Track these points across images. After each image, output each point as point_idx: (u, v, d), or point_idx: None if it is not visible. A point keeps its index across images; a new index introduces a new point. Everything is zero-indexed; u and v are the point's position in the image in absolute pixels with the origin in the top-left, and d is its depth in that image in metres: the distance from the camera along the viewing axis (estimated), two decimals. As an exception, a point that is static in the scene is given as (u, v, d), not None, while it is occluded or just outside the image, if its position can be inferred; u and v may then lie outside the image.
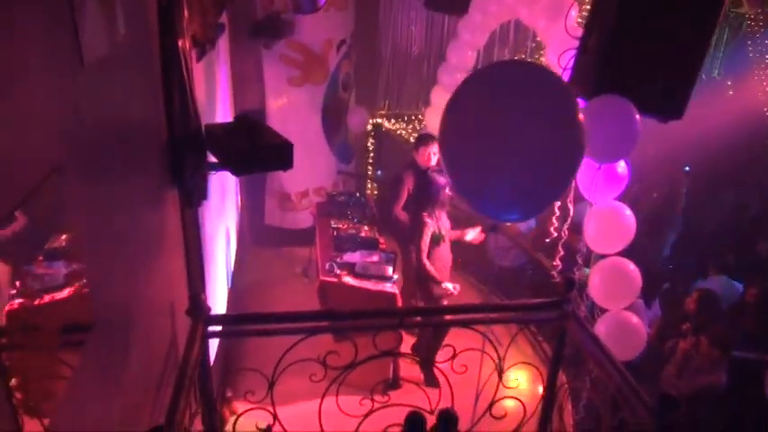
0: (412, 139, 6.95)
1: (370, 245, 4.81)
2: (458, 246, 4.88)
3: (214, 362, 3.17)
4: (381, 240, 4.97)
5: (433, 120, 6.05)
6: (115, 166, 2.05)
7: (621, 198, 3.45)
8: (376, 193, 7.63)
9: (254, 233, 6.78)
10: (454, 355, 2.78)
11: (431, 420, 2.68)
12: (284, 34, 5.97)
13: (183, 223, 2.95)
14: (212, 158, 3.02)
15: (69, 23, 1.59)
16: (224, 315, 3.74)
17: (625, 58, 3.05)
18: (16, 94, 1.32)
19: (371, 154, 7.62)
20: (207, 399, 2.62)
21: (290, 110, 6.36)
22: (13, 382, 1.25)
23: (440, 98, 5.93)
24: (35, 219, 1.37)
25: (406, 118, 7.53)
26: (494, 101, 2.06)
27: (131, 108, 2.30)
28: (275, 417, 2.66)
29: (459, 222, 4.91)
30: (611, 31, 3.06)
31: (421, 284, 4.69)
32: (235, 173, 3.12)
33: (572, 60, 3.41)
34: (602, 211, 3.40)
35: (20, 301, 1.33)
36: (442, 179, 4.61)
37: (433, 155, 4.74)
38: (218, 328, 2.76)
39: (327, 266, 4.54)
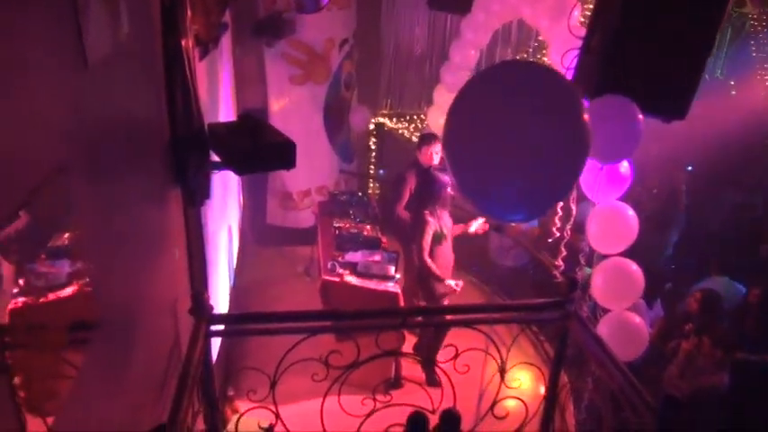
0: (414, 139, 6.95)
1: (372, 244, 4.81)
2: (460, 245, 4.87)
3: (216, 361, 3.18)
4: (383, 240, 4.97)
5: (435, 119, 6.05)
6: (118, 166, 2.05)
7: (624, 198, 3.45)
8: (378, 192, 7.63)
9: (256, 232, 6.78)
10: (456, 355, 2.78)
11: (433, 420, 2.68)
12: (286, 33, 5.97)
13: (185, 222, 2.96)
14: (215, 157, 3.03)
15: (73, 23, 1.59)
16: (227, 314, 3.75)
17: (628, 57, 3.04)
18: (20, 93, 1.32)
19: (373, 153, 7.61)
20: (209, 398, 2.62)
21: (293, 109, 6.36)
22: (16, 380, 1.25)
23: (442, 97, 5.93)
24: (38, 217, 1.37)
25: (408, 117, 7.52)
26: (498, 101, 2.06)
27: (134, 107, 2.30)
28: (277, 416, 2.66)
29: (462, 221, 4.91)
30: (614, 30, 3.05)
31: (423, 283, 4.69)
32: (237, 172, 3.13)
33: (575, 60, 3.41)
34: (605, 210, 3.39)
35: (23, 299, 1.33)
36: (444, 177, 4.61)
37: (435, 154, 4.75)
38: (221, 327, 2.76)
39: (329, 266, 4.54)
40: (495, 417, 2.87)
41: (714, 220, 7.16)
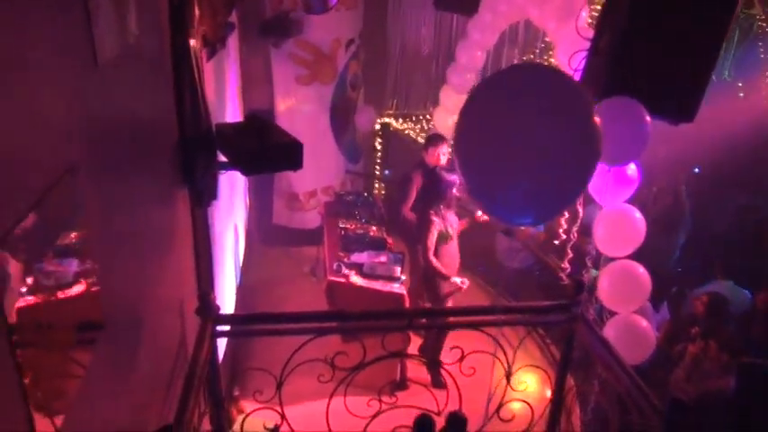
0: (420, 139, 6.95)
1: (378, 245, 4.81)
2: (466, 246, 4.87)
3: (222, 361, 3.18)
4: (389, 240, 4.97)
5: (441, 119, 6.04)
6: (127, 166, 2.06)
7: (631, 201, 3.43)
8: (384, 192, 7.62)
9: (262, 232, 6.79)
10: (462, 357, 2.77)
11: (439, 422, 2.68)
12: (293, 33, 5.97)
13: (193, 222, 2.96)
14: (222, 158, 3.03)
15: (84, 24, 1.60)
16: (233, 315, 3.75)
17: (636, 59, 3.03)
18: (31, 93, 1.33)
19: (379, 153, 7.61)
20: (215, 398, 2.63)
21: (299, 109, 6.36)
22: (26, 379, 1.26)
23: (448, 98, 5.92)
24: (46, 216, 1.38)
25: (414, 118, 7.51)
26: (505, 103, 2.05)
27: (143, 107, 2.31)
28: (283, 417, 2.66)
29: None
30: (622, 32, 3.04)
31: (428, 283, 4.69)
32: (245, 172, 3.13)
33: (582, 61, 3.40)
34: (612, 213, 3.38)
35: (31, 298, 1.34)
36: (450, 177, 4.61)
37: (442, 155, 4.75)
38: (227, 327, 2.76)
39: (335, 266, 4.54)
40: (500, 419, 2.87)
41: (719, 222, 7.12)
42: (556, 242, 4.09)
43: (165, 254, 2.60)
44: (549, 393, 3.12)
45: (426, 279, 4.70)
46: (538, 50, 6.38)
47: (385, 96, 7.63)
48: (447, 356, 3.97)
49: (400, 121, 7.50)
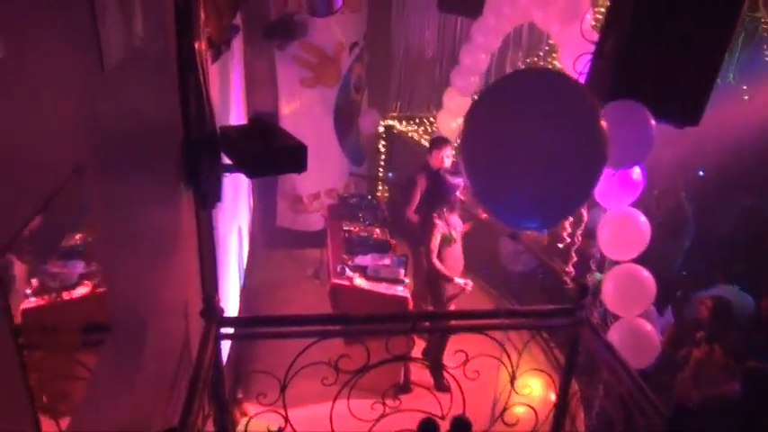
0: (423, 142, 6.95)
1: (382, 248, 4.81)
2: (470, 249, 4.86)
3: (226, 363, 3.18)
4: (393, 243, 4.97)
5: (444, 122, 6.04)
6: (132, 168, 2.06)
7: (634, 205, 3.42)
8: (387, 195, 7.62)
9: (265, 235, 6.80)
10: (466, 361, 2.77)
11: (443, 426, 2.67)
12: (297, 36, 5.98)
13: (197, 224, 2.97)
14: (227, 160, 3.03)
15: (90, 26, 1.60)
16: (237, 317, 3.75)
17: (641, 62, 3.03)
18: (39, 96, 1.33)
19: (383, 156, 7.61)
20: (219, 400, 2.63)
21: (303, 111, 6.37)
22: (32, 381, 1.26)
23: (452, 101, 5.92)
24: (51, 217, 1.38)
25: (417, 120, 7.50)
26: (509, 107, 2.05)
27: (149, 109, 2.31)
28: (286, 419, 2.66)
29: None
30: (627, 35, 3.03)
31: (432, 286, 4.68)
32: (249, 175, 3.13)
33: (587, 65, 3.39)
34: (617, 216, 3.37)
35: (36, 299, 1.34)
36: (454, 180, 4.61)
37: (446, 158, 4.75)
38: (231, 330, 2.76)
39: (339, 269, 4.54)
40: (504, 423, 2.86)
41: (724, 224, 7.09)
42: (560, 245, 4.08)
43: (169, 256, 2.60)
44: (553, 397, 3.11)
45: (430, 282, 4.69)
46: (542, 53, 6.38)
47: (389, 99, 7.63)
48: (451, 360, 3.97)
49: (404, 123, 7.50)
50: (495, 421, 2.94)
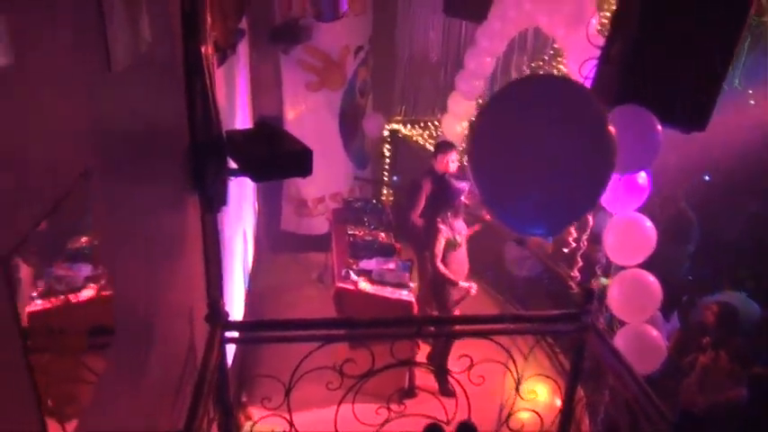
0: (428, 145, 6.94)
1: (387, 252, 4.80)
2: (474, 253, 4.85)
3: (230, 366, 3.18)
4: (398, 247, 4.96)
5: (449, 126, 6.04)
6: (138, 171, 2.06)
7: (641, 210, 3.41)
8: (392, 199, 7.62)
9: (270, 238, 6.81)
10: (471, 366, 2.76)
11: (448, 430, 2.66)
12: (303, 40, 6.00)
13: (203, 228, 2.97)
14: (232, 164, 3.04)
15: (98, 29, 1.61)
16: (242, 321, 3.75)
17: (648, 67, 3.02)
18: (47, 99, 1.34)
19: (387, 160, 7.61)
20: (224, 405, 2.62)
21: (308, 115, 6.38)
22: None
23: (457, 104, 5.92)
24: (57, 220, 1.38)
25: (422, 124, 7.50)
26: (515, 113, 2.05)
27: (155, 113, 2.32)
28: (291, 424, 2.65)
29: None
30: (633, 39, 3.03)
31: (436, 290, 4.67)
32: (254, 179, 3.14)
33: (593, 69, 3.39)
34: (623, 221, 3.36)
35: (41, 302, 1.34)
36: (459, 185, 4.60)
37: (451, 162, 4.75)
38: (236, 333, 2.76)
39: (343, 273, 4.54)
40: (510, 429, 2.85)
41: (729, 230, 7.06)
42: (565, 250, 4.07)
43: (175, 259, 2.60)
44: (558, 403, 3.10)
45: (435, 286, 4.69)
46: (547, 57, 6.38)
47: (393, 102, 7.64)
48: (456, 365, 3.96)
49: (408, 127, 7.50)
50: (501, 426, 2.93)
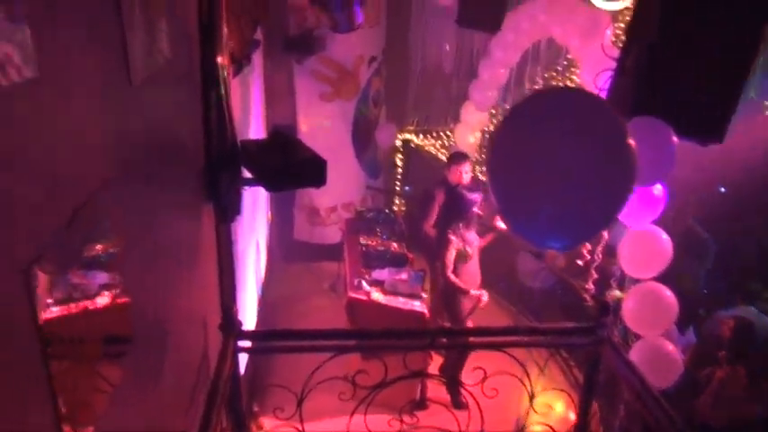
0: (440, 155, 6.95)
1: (400, 262, 4.80)
2: (487, 263, 4.83)
3: (242, 376, 3.18)
4: (410, 257, 4.95)
5: (462, 136, 6.04)
6: (155, 181, 2.08)
7: (657, 222, 3.38)
8: (404, 209, 7.62)
9: (283, 247, 6.82)
10: (484, 379, 2.74)
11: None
12: (317, 50, 6.04)
13: (217, 238, 2.98)
14: (247, 174, 3.05)
15: (119, 40, 1.63)
16: (255, 331, 3.75)
17: (664, 78, 3.00)
18: (69, 112, 1.36)
19: (400, 170, 7.62)
20: (236, 414, 2.62)
21: (321, 125, 6.41)
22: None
23: (470, 115, 5.93)
24: (75, 229, 1.39)
25: (435, 134, 7.51)
26: (537, 128, 2.04)
27: (173, 124, 2.34)
28: (303, 435, 2.64)
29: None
30: (649, 51, 3.02)
31: (447, 301, 4.65)
32: (269, 189, 3.15)
33: (608, 81, 3.38)
34: (638, 234, 3.33)
35: (57, 310, 1.35)
36: (471, 196, 4.59)
37: (464, 173, 4.75)
38: (249, 343, 2.76)
39: (356, 283, 4.53)
40: (523, 443, 2.82)
41: (744, 243, 6.97)
42: (580, 262, 4.04)
43: (189, 268, 2.61)
44: (572, 417, 3.06)
45: (446, 296, 4.67)
46: (560, 68, 6.37)
47: (406, 112, 7.65)
48: (469, 377, 3.93)
49: (421, 137, 7.51)
50: (514, 440, 2.90)
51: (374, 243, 5.16)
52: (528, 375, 2.77)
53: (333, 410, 2.75)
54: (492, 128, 6.24)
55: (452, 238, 4.53)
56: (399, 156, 7.53)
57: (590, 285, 3.90)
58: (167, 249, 2.24)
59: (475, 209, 4.62)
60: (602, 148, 2.12)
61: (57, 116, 1.29)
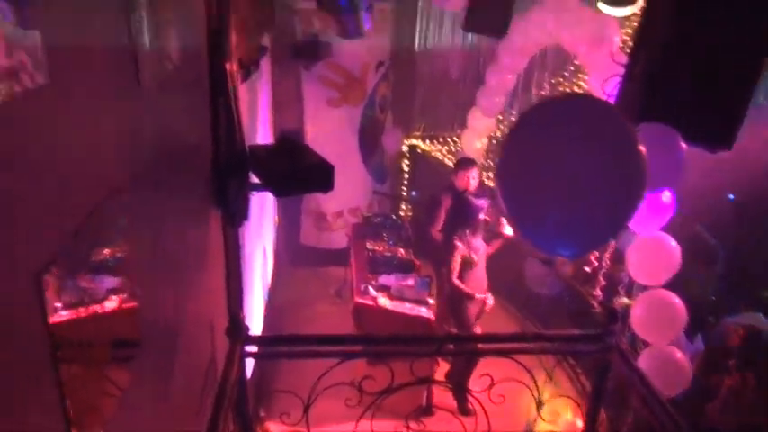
0: (447, 161, 6.94)
1: (406, 267, 4.79)
2: (494, 270, 4.82)
3: (249, 380, 3.18)
4: (417, 263, 4.95)
5: (469, 142, 6.04)
6: (164, 186, 2.09)
7: (665, 229, 3.37)
8: (410, 214, 7.62)
9: (290, 252, 6.83)
10: (491, 385, 2.72)
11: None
12: (324, 56, 6.06)
13: (224, 243, 2.99)
14: (254, 179, 3.06)
15: (129, 47, 1.64)
16: (262, 336, 3.76)
17: (673, 85, 2.99)
18: (80, 119, 1.36)
19: (406, 175, 7.62)
20: (243, 419, 2.62)
21: (328, 130, 6.42)
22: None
23: (477, 120, 5.93)
24: (84, 234, 1.40)
25: (441, 139, 7.51)
26: (552, 134, 2.04)
27: (182, 130, 2.36)
28: (310, 440, 2.64)
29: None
30: (658, 56, 3.01)
31: (453, 306, 4.64)
32: (276, 194, 3.15)
33: (616, 87, 3.37)
34: (647, 241, 3.31)
35: (65, 313, 1.35)
36: (478, 202, 4.59)
37: (471, 179, 4.74)
38: (256, 348, 2.76)
39: (362, 288, 4.53)
40: (530, 450, 2.80)
41: (754, 251, 6.93)
42: (587, 269, 4.02)
43: (197, 273, 2.62)
44: (580, 424, 3.04)
45: (452, 302, 4.66)
46: (567, 74, 6.35)
47: (413, 118, 7.65)
48: (476, 384, 3.91)
49: (428, 142, 7.51)
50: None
51: (381, 248, 5.16)
52: (536, 382, 2.75)
53: (339, 416, 2.73)
54: (499, 134, 6.23)
55: (458, 244, 4.53)
56: (406, 161, 7.54)
57: (598, 292, 3.88)
58: (175, 254, 2.25)
59: (482, 215, 4.61)
60: (612, 154, 2.11)
61: (67, 123, 1.29)
